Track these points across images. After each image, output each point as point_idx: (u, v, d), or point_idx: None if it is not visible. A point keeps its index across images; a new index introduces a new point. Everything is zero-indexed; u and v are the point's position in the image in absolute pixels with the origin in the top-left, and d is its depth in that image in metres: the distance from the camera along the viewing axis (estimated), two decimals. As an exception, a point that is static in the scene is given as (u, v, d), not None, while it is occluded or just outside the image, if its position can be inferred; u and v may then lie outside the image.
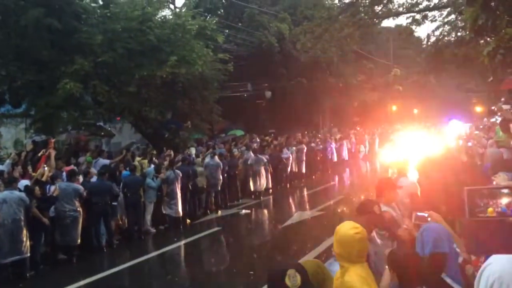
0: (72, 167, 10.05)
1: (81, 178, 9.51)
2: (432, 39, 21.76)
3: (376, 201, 4.24)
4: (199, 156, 13.78)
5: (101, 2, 14.59)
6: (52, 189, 8.49)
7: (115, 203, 9.86)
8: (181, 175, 11.33)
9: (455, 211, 5.74)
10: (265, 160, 15.13)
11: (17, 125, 16.22)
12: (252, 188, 14.80)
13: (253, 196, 14.72)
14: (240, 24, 24.60)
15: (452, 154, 9.07)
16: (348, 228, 2.75)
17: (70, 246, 8.65)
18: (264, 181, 14.91)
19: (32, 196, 7.93)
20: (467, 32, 14.67)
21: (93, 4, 14.47)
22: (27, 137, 15.91)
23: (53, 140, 10.40)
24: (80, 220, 8.76)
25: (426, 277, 2.89)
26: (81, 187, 8.91)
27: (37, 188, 8.16)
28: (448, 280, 3.01)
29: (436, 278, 3.00)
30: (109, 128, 16.17)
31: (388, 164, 11.43)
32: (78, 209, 8.72)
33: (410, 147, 12.73)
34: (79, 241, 8.70)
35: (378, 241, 3.93)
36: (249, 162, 14.80)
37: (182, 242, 10.27)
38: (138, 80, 13.31)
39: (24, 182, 8.50)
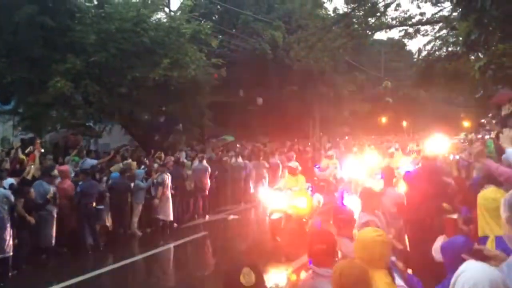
0: (66, 166, 9.90)
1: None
2: (424, 53, 22.06)
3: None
4: (196, 159, 13.69)
5: (95, 2, 14.55)
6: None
7: (100, 207, 9.74)
8: (170, 177, 11.27)
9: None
10: (267, 166, 15.80)
11: (5, 122, 16.02)
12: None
13: (242, 203, 14.74)
14: (234, 30, 24.66)
15: (439, 168, 9.14)
16: (369, 231, 2.86)
17: (46, 247, 8.46)
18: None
19: (18, 194, 7.79)
20: (459, 47, 14.93)
21: (87, 4, 14.43)
22: (14, 135, 15.73)
23: (39, 142, 10.27)
24: (54, 221, 8.54)
25: None
26: (53, 188, 8.70)
27: (32, 191, 8.08)
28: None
29: None
30: (99, 129, 16.02)
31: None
32: (49, 209, 8.47)
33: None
34: (53, 242, 8.49)
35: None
36: (250, 167, 15.42)
37: (169, 246, 10.17)
38: (130, 82, 13.23)
39: (9, 180, 8.35)
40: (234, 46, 23.01)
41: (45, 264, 8.42)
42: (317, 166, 13.55)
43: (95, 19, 13.58)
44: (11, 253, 7.56)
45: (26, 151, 10.21)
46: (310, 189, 10.27)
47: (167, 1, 18.59)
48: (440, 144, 14.03)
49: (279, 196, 9.70)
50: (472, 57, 13.29)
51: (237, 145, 19.80)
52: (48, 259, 8.48)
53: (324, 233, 3.31)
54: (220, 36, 22.14)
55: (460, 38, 11.35)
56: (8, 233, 7.50)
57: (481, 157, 4.11)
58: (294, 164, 10.44)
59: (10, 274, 7.57)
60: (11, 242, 7.55)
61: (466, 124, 31.65)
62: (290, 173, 10.16)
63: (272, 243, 9.63)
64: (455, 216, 3.88)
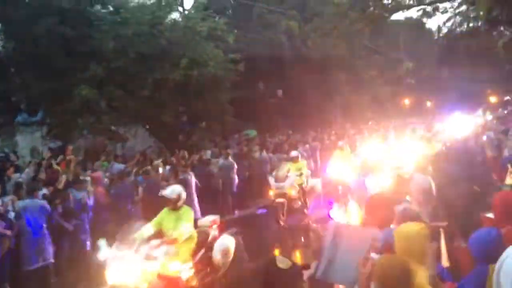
0: (98, 173, 10.15)
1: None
2: (444, 30, 21.56)
3: None
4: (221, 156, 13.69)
5: (111, 8, 14.76)
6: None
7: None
8: (193, 175, 11.33)
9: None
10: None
11: (33, 133, 16.49)
12: None
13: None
14: (249, 23, 24.59)
15: (468, 149, 8.95)
16: (413, 225, 2.81)
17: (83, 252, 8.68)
18: None
19: (53, 203, 8.05)
20: (480, 22, 14.55)
21: (103, 10, 14.65)
22: (43, 144, 16.17)
23: (70, 147, 10.55)
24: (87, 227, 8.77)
25: None
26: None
27: (71, 197, 8.33)
28: None
29: None
30: (124, 133, 16.33)
31: None
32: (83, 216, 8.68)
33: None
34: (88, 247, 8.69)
35: None
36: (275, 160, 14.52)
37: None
38: (151, 84, 13.43)
39: (43, 191, 8.60)
40: (250, 39, 22.95)
41: (86, 268, 8.65)
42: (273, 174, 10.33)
43: (112, 25, 13.79)
44: (52, 260, 7.84)
45: (57, 160, 10.48)
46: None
47: (181, 0, 18.73)
48: (463, 124, 13.53)
49: (123, 259, 5.14)
50: (495, 33, 12.96)
51: (258, 139, 19.77)
52: (88, 263, 8.70)
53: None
54: (236, 31, 22.15)
55: (481, 13, 11.05)
56: (48, 241, 7.78)
57: None
58: (173, 192, 6.14)
59: (52, 280, 7.85)
60: (51, 250, 7.83)
61: (493, 100, 30.77)
62: (167, 205, 6.11)
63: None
64: (491, 215, 3.80)
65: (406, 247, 2.70)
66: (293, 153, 11.25)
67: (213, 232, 6.43)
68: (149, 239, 5.67)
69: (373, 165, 8.27)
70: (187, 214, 6.09)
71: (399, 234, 2.81)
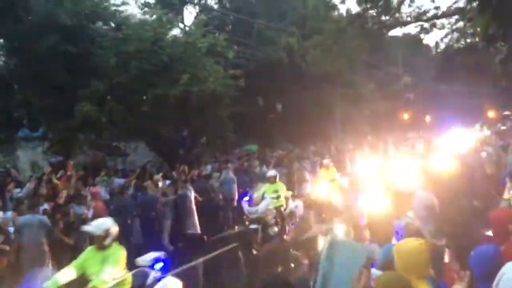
0: (97, 188, 10.17)
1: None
2: (441, 46, 21.77)
3: None
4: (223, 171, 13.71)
5: (113, 25, 14.92)
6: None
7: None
8: (192, 190, 11.34)
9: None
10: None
11: (34, 148, 16.52)
12: None
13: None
14: (248, 39, 24.82)
15: (468, 164, 8.99)
16: (412, 240, 2.84)
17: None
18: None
19: (56, 219, 8.05)
20: (477, 40, 14.73)
21: (105, 27, 14.81)
22: (44, 160, 16.19)
23: (71, 163, 10.59)
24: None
25: None
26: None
27: (71, 211, 8.34)
28: None
29: None
30: (124, 148, 16.38)
31: None
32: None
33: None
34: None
35: None
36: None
37: (201, 259, 10.26)
38: (151, 100, 13.51)
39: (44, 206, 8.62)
40: (250, 55, 23.15)
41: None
42: (246, 196, 9.74)
43: (114, 42, 13.93)
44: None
45: (58, 175, 10.51)
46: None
47: (181, 17, 18.94)
48: (462, 139, 13.52)
49: None
50: (492, 49, 13.09)
51: (258, 154, 19.80)
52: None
53: None
54: (236, 47, 22.34)
55: (478, 29, 11.23)
56: (48, 257, 7.75)
57: None
58: (98, 227, 4.99)
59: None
60: (50, 266, 7.80)
61: (491, 115, 30.92)
62: (94, 243, 5.15)
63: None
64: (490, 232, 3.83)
65: (406, 264, 2.72)
66: (270, 173, 10.09)
67: (155, 273, 5.26)
68: (69, 286, 4.67)
69: (369, 182, 8.15)
70: (116, 255, 4.90)
71: (398, 251, 2.84)
